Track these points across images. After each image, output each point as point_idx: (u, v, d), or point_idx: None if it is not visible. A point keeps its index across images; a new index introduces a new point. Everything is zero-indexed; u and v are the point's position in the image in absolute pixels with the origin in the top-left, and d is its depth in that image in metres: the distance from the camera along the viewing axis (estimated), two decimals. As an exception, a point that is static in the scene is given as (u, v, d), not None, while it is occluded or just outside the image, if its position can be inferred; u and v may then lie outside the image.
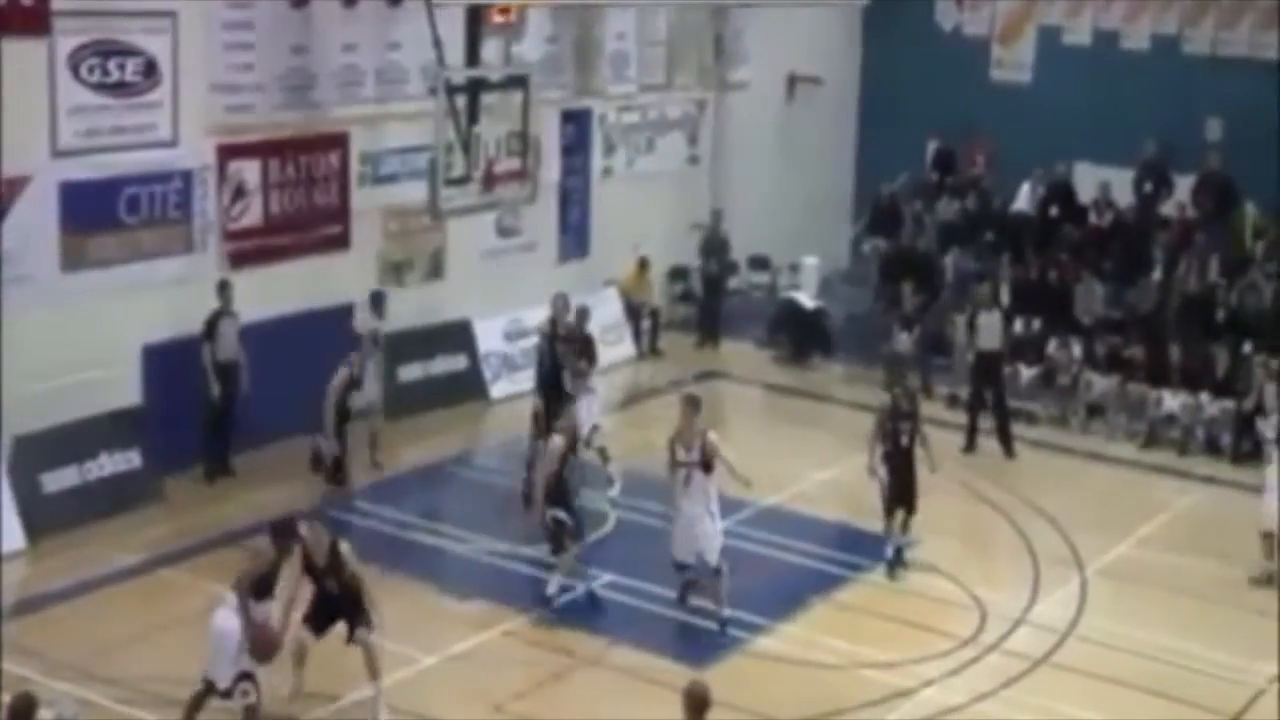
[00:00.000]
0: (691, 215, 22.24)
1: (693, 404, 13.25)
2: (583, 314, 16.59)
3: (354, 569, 11.28)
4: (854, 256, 23.59)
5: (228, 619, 10.56)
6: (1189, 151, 21.45)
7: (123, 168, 15.20)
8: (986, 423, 17.82)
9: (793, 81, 23.97)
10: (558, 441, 13.22)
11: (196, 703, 10.72)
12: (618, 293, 20.95)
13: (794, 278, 22.47)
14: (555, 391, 15.62)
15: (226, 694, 10.53)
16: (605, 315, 20.69)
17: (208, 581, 13.44)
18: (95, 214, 15.03)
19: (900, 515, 14.33)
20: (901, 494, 14.31)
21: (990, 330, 17.82)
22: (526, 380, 19.14)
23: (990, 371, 17.79)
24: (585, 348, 16.34)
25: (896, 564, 14.23)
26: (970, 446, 17.59)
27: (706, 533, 12.91)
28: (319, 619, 11.35)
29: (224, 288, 15.64)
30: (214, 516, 14.55)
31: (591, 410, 15.92)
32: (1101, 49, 23.03)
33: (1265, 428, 14.71)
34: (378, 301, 17.01)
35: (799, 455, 17.25)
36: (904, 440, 14.30)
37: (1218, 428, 17.92)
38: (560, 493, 13.13)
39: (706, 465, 12.86)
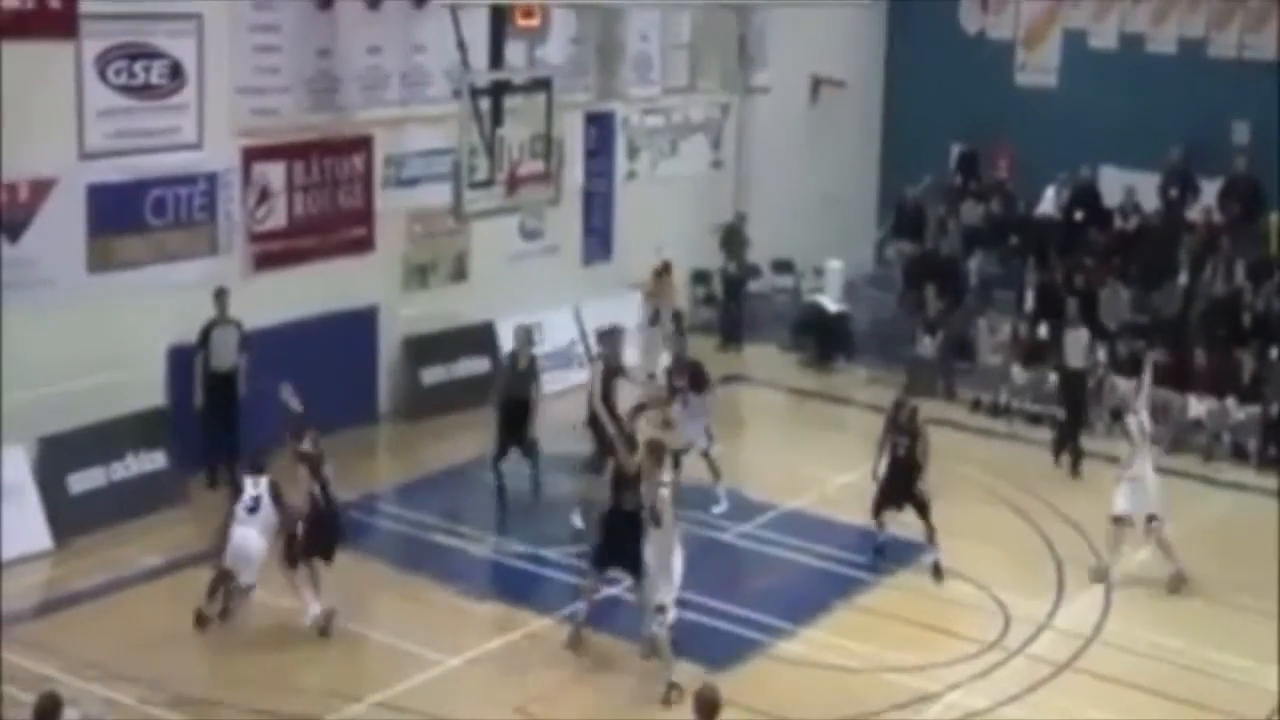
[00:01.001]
0: (715, 218, 22.24)
1: (655, 451, 12.37)
2: (615, 334, 16.42)
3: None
4: (878, 260, 23.56)
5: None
6: (1215, 155, 21.35)
7: (149, 170, 15.28)
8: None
9: (816, 84, 23.92)
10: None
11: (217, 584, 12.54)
12: (641, 296, 20.93)
13: (818, 281, 22.43)
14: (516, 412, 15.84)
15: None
16: (628, 319, 20.69)
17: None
18: (121, 216, 15.10)
19: (887, 517, 14.45)
20: (889, 500, 14.33)
21: (1075, 348, 17.57)
22: (549, 384, 19.10)
23: (1074, 389, 17.56)
24: (696, 375, 16.13)
25: (878, 557, 14.44)
26: (1075, 470, 17.29)
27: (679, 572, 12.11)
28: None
29: (220, 296, 15.56)
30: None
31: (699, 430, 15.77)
32: (1127, 52, 22.92)
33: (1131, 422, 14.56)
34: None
35: (822, 459, 17.23)
36: (900, 452, 14.25)
37: (1243, 433, 17.84)
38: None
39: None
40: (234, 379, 15.58)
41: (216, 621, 12.74)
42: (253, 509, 12.60)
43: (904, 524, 15.04)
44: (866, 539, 15.01)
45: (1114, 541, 14.29)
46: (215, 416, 15.58)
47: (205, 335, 15.55)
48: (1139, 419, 14.42)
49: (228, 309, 15.63)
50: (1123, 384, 14.92)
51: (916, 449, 14.34)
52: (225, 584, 12.74)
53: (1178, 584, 14.16)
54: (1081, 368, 17.62)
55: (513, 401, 15.78)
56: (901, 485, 14.31)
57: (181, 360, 15.69)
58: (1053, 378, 18.52)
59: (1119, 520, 14.22)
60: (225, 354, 15.60)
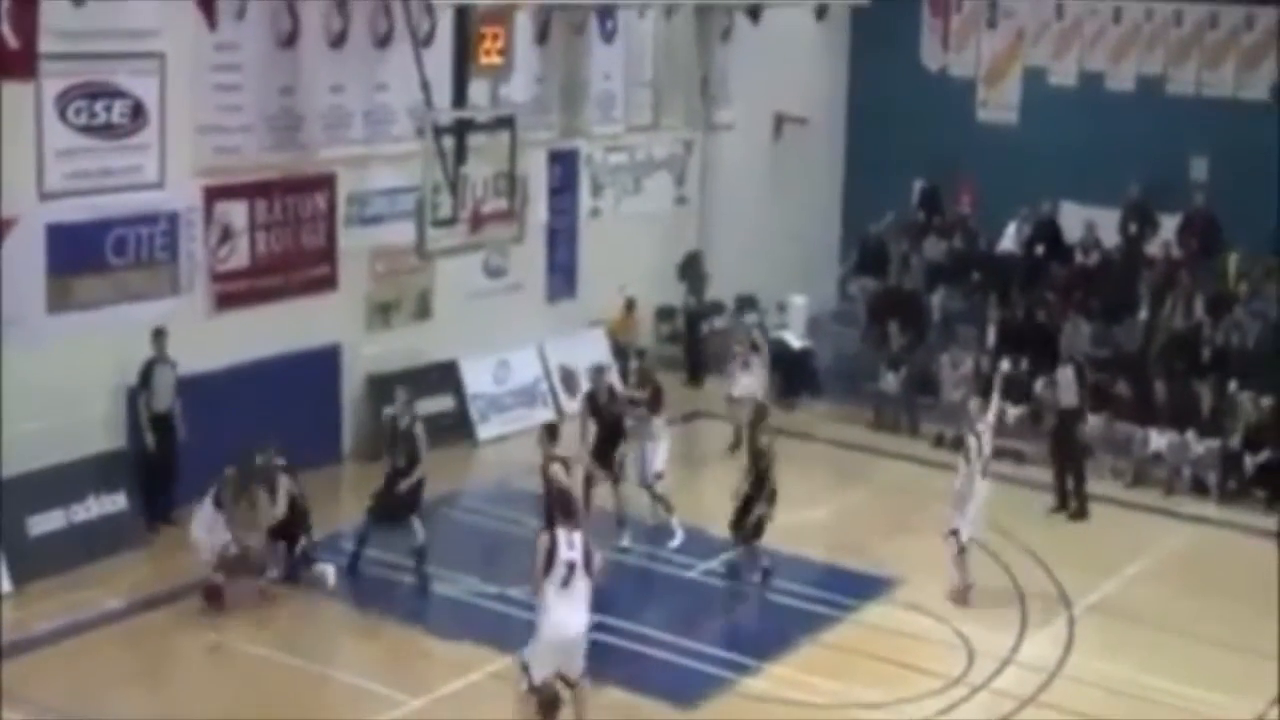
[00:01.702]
0: (679, 255, 22.32)
1: (565, 502, 11.89)
2: (600, 372, 16.50)
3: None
4: (841, 296, 23.66)
5: None
6: (1174, 191, 21.57)
7: (110, 210, 15.22)
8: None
9: (779, 122, 24.07)
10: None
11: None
12: (605, 333, 20.97)
13: (781, 317, 22.48)
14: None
15: None
16: (592, 355, 20.73)
17: (194, 625, 13.46)
18: (82, 256, 15.04)
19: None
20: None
21: (1067, 386, 17.49)
22: (514, 421, 19.32)
23: (1068, 428, 17.43)
24: (655, 397, 16.38)
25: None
26: (1063, 506, 17.22)
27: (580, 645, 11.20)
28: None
29: (159, 336, 15.39)
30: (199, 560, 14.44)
31: (658, 455, 16.06)
32: (1087, 90, 23.17)
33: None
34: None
35: (786, 495, 17.11)
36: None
37: (1203, 466, 17.95)
38: None
39: (588, 563, 11.07)
40: (172, 420, 15.43)
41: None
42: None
43: (873, 559, 15.08)
44: (831, 575, 15.03)
45: (958, 559, 14.53)
46: (156, 457, 15.42)
47: (146, 375, 15.36)
48: (980, 440, 14.58)
49: (166, 348, 15.46)
50: (973, 404, 15.40)
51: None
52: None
53: (960, 597, 14.42)
54: (1074, 406, 17.45)
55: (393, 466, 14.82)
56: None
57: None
58: (1011, 411, 18.63)
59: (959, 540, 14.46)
60: (164, 394, 15.44)
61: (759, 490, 14.55)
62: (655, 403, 16.41)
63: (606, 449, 15.58)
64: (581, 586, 10.92)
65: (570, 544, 10.88)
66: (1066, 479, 17.32)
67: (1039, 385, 19.15)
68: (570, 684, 11.03)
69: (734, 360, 19.12)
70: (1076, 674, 13.21)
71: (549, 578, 10.81)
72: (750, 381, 18.68)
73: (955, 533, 14.44)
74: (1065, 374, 17.57)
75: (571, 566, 10.84)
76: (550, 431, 14.74)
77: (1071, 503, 17.22)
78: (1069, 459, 17.38)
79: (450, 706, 12.34)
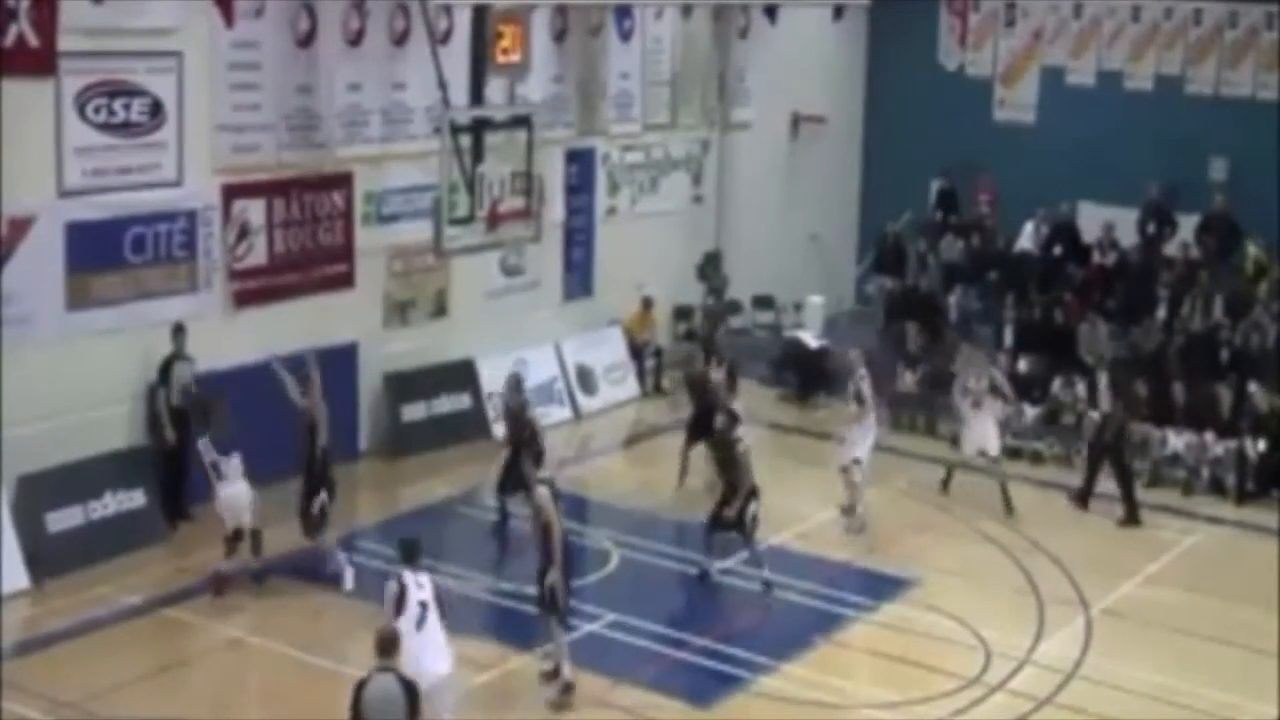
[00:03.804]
0: (695, 254, 22.31)
1: (407, 548, 11.31)
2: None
3: None
4: (858, 296, 23.63)
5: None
6: (1192, 191, 21.51)
7: (128, 207, 15.26)
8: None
9: (796, 121, 24.06)
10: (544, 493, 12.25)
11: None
12: (621, 332, 20.98)
13: (798, 317, 22.51)
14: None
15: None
16: (609, 354, 20.75)
17: (212, 621, 13.52)
18: (100, 253, 15.09)
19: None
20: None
21: (1104, 392, 17.30)
22: (531, 419, 19.29)
23: (1115, 434, 17.24)
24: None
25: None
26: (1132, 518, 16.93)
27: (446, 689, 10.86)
28: None
29: (178, 331, 15.45)
30: (219, 556, 14.49)
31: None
32: (1105, 89, 23.12)
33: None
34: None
35: (802, 494, 17.22)
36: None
37: (1222, 468, 17.89)
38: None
39: (441, 606, 10.91)
40: (189, 415, 15.46)
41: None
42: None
43: (890, 559, 15.06)
44: (848, 574, 15.01)
45: (850, 484, 15.90)
46: (175, 451, 15.46)
47: (165, 370, 15.41)
48: (863, 383, 16.12)
49: (185, 345, 15.52)
50: (853, 353, 16.52)
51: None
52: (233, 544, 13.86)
53: (849, 516, 15.81)
54: (1109, 411, 17.20)
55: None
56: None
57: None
58: (1030, 411, 18.58)
59: (850, 466, 15.97)
60: (183, 390, 15.51)
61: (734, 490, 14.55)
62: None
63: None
64: (435, 627, 10.72)
65: (419, 584, 10.72)
66: (1126, 485, 17.02)
67: (1056, 385, 19.12)
68: None
69: (964, 400, 17.36)
70: (1093, 675, 13.17)
71: (401, 620, 10.52)
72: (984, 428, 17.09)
73: (857, 461, 15.98)
74: (1102, 380, 17.35)
75: (424, 606, 10.67)
76: (536, 458, 14.66)
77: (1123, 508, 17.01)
78: (1119, 465, 17.13)
79: (469, 704, 12.32)
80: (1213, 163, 21.85)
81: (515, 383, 16.46)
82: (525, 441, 15.81)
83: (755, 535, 14.63)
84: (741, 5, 22.34)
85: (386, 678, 9.44)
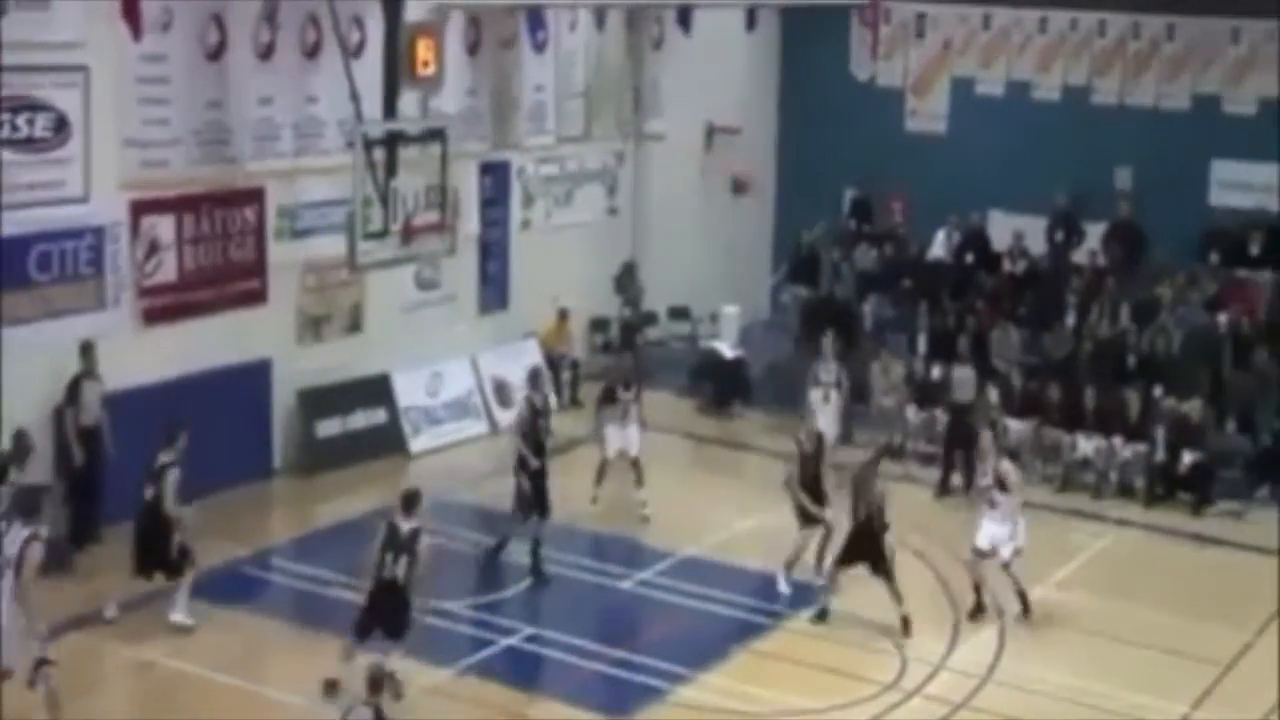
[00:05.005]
0: (611, 266, 22.33)
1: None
2: (540, 375, 16.46)
3: None
4: (774, 305, 23.77)
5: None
6: (1099, 200, 21.85)
7: (33, 224, 15.00)
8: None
9: (711, 132, 24.17)
10: None
11: None
12: (538, 344, 20.96)
13: (714, 327, 22.59)
14: None
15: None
16: (526, 367, 20.67)
17: (118, 647, 13.30)
18: (5, 271, 14.80)
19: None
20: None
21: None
22: (446, 434, 19.27)
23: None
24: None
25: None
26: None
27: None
28: None
29: (87, 350, 15.18)
30: (121, 581, 14.19)
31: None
32: (1014, 99, 23.45)
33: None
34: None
35: (720, 504, 17.31)
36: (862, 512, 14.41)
37: (1130, 471, 18.19)
38: None
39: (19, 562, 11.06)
40: (100, 435, 15.22)
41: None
42: None
43: (806, 568, 15.15)
44: (765, 584, 15.08)
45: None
46: (83, 473, 15.19)
47: (74, 390, 15.14)
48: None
49: (95, 364, 15.25)
50: (1014, 425, 15.84)
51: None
52: None
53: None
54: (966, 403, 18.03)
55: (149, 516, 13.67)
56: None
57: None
58: (943, 417, 18.82)
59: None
60: (92, 409, 15.23)
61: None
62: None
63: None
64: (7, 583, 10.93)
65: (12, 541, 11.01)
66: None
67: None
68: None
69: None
70: (1008, 679, 13.34)
71: None
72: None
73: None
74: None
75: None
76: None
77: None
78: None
79: (383, 721, 12.25)
80: (1118, 171, 22.22)
81: (536, 377, 16.14)
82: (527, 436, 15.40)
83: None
84: (655, 17, 22.42)
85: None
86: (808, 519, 14.82)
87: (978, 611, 14.43)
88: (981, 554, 14.44)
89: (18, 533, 11.04)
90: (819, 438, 15.26)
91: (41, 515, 11.47)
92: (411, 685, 12.72)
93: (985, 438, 15.17)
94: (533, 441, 15.23)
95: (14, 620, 10.93)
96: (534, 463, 15.10)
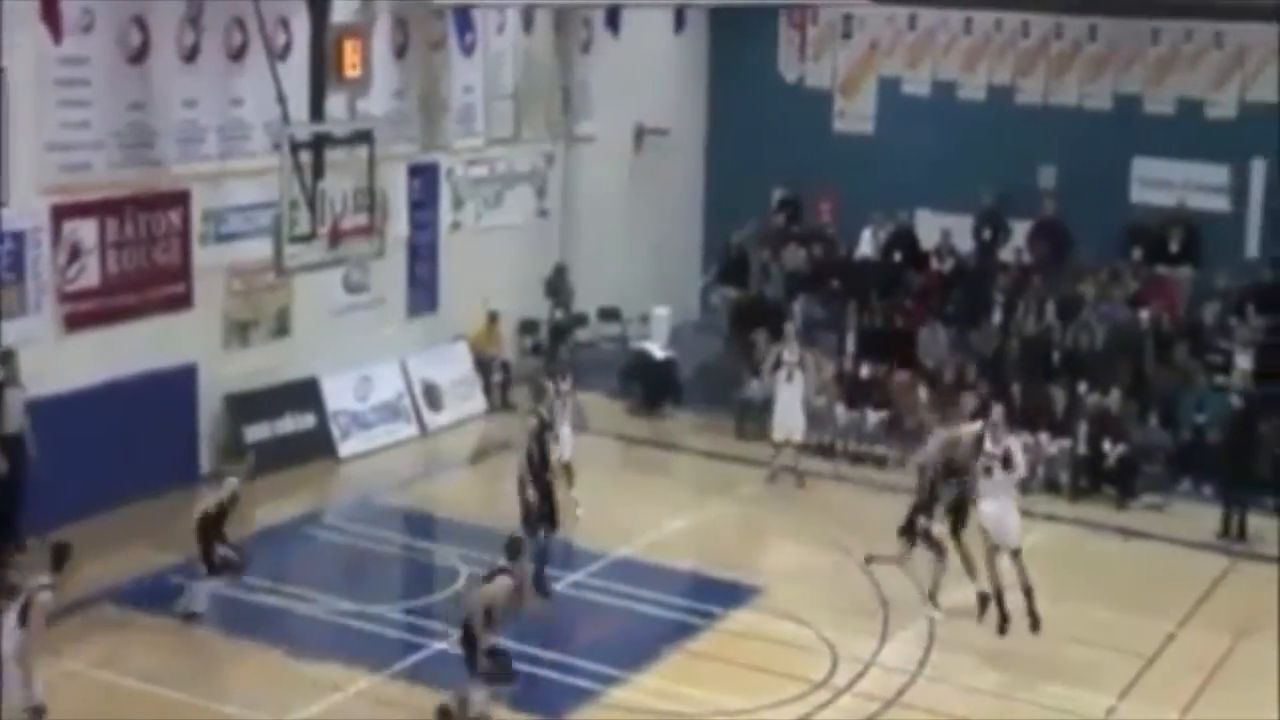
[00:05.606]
0: (541, 268, 22.30)
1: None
2: (542, 388, 16.20)
3: None
4: (704, 306, 23.83)
5: None
6: (1024, 198, 22.07)
7: (-48, 229, 14.83)
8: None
9: (640, 133, 24.19)
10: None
11: None
12: (468, 347, 20.90)
13: (644, 328, 22.61)
14: None
15: None
16: (455, 370, 20.66)
17: (46, 654, 13.06)
18: (-77, 277, 14.63)
19: None
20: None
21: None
22: (376, 438, 19.17)
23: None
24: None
25: None
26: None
27: None
28: None
29: (7, 358, 14.99)
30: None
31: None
32: (940, 99, 23.62)
33: None
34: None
35: (651, 504, 17.33)
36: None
37: (1056, 466, 18.40)
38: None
39: None
40: (22, 443, 14.98)
41: None
42: None
43: (737, 568, 15.20)
44: (697, 584, 15.13)
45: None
46: (6, 482, 14.95)
47: None
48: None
49: (17, 371, 15.03)
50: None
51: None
52: None
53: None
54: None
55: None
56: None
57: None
58: (874, 414, 18.93)
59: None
60: (14, 417, 14.99)
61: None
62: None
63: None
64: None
65: None
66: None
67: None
68: None
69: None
70: (937, 674, 13.46)
71: None
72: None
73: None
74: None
75: None
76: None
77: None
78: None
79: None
80: (1042, 170, 22.46)
81: (540, 391, 15.95)
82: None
83: None
84: (584, 19, 22.40)
85: None
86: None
87: (1004, 624, 14.15)
88: (997, 548, 14.25)
89: None
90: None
91: None
92: (342, 690, 12.68)
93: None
94: (540, 456, 14.92)
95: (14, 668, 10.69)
96: (545, 477, 14.86)
